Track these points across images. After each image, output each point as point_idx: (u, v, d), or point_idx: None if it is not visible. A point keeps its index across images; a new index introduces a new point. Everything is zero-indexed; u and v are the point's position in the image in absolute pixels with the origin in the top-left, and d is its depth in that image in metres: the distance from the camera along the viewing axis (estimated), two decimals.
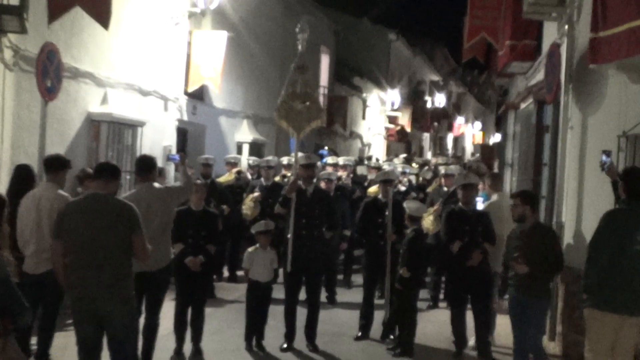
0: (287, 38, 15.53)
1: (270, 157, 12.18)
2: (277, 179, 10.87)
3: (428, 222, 9.05)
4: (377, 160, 19.31)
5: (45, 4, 7.89)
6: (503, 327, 7.34)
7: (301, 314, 7.54)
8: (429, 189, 11.29)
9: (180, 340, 6.89)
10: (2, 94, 7.86)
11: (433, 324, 8.55)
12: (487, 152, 27.08)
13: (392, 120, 28.99)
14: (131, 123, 10.62)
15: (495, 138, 38.64)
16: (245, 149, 15.52)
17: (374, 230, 7.97)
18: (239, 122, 15.69)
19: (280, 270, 8.35)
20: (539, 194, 9.47)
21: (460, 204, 7.61)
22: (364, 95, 26.06)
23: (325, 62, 22.38)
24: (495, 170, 16.83)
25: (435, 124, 36.05)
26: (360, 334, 7.95)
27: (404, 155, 20.83)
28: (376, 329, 7.97)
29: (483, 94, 49.69)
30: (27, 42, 8.05)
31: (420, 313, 8.20)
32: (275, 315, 7.63)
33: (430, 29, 54.13)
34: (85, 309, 4.96)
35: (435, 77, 36.67)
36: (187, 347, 6.93)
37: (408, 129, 30.11)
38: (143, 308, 6.18)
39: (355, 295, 9.38)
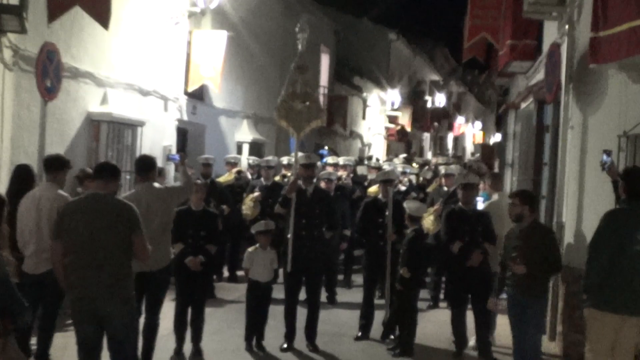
0: (287, 38, 15.52)
1: (270, 157, 12.18)
2: (277, 178, 10.87)
3: (428, 222, 9.05)
4: (377, 160, 19.30)
5: (45, 3, 7.89)
6: (503, 327, 7.33)
7: (301, 314, 7.53)
8: (429, 189, 11.29)
9: (180, 340, 6.88)
10: (1, 94, 7.85)
11: (433, 324, 8.55)
12: (487, 151, 27.06)
13: (392, 120, 28.98)
14: (131, 123, 10.61)
15: (496, 138, 38.61)
16: (245, 148, 15.52)
17: (374, 230, 7.97)
18: (239, 122, 15.68)
19: (280, 270, 8.35)
20: (539, 193, 9.47)
21: (460, 203, 7.61)
22: (364, 95, 26.06)
23: (325, 61, 22.37)
24: (496, 170, 16.83)
25: (436, 123, 36.04)
26: (360, 334, 7.95)
27: (404, 155, 20.83)
28: (376, 329, 7.97)
29: (483, 94, 49.68)
30: (26, 42, 8.04)
31: (421, 313, 8.19)
32: (275, 315, 7.62)
33: (431, 28, 54.08)
34: (85, 309, 4.96)
35: (436, 77, 36.66)
36: (187, 347, 6.93)
37: (408, 129, 30.10)
38: (143, 308, 6.17)
39: (356, 295, 9.37)
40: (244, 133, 15.71)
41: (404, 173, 11.91)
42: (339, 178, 10.99)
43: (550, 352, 7.43)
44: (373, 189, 10.38)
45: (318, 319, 7.56)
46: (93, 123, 9.79)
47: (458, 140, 45.01)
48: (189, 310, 6.92)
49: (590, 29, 6.29)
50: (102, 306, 4.92)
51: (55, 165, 6.37)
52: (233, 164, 11.69)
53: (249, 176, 11.81)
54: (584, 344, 5.47)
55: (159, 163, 8.92)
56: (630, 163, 6.28)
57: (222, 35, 13.06)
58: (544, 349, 7.41)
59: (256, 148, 15.78)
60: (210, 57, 12.83)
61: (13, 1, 7.62)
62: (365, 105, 26.53)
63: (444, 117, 38.51)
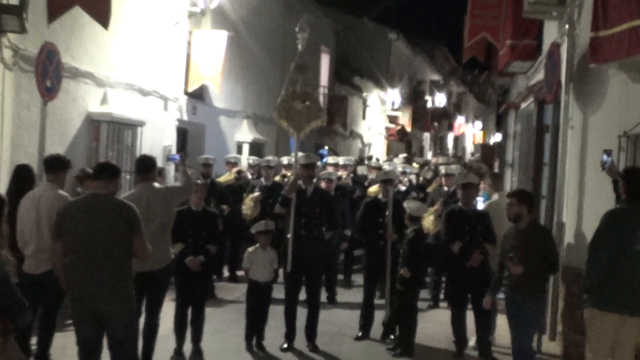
0: (287, 37, 15.52)
1: (270, 157, 12.18)
2: (277, 178, 10.87)
3: (428, 222, 9.04)
4: (378, 160, 19.29)
5: (45, 3, 7.89)
6: (503, 327, 7.33)
7: (301, 314, 7.53)
8: (430, 189, 11.28)
9: (180, 340, 6.88)
10: (1, 94, 7.85)
11: (433, 324, 8.54)
12: (487, 151, 27.03)
13: (393, 119, 28.99)
14: (131, 123, 10.61)
15: (496, 138, 38.60)
16: (245, 148, 15.52)
17: (374, 230, 7.96)
18: (239, 122, 15.68)
19: (280, 270, 8.34)
20: (540, 193, 9.47)
21: (460, 203, 7.61)
22: (364, 94, 26.05)
23: (325, 61, 22.37)
24: (496, 170, 16.82)
25: (436, 123, 36.03)
26: (360, 334, 7.95)
27: (404, 155, 20.81)
28: (376, 329, 7.96)
29: (483, 94, 49.66)
30: (26, 42, 8.04)
31: (421, 313, 8.19)
32: (275, 315, 7.62)
33: (431, 28, 54.22)
34: (85, 309, 4.96)
35: (436, 77, 36.66)
36: (187, 347, 6.92)
37: (408, 129, 30.10)
38: (143, 308, 6.17)
39: (356, 295, 9.37)
40: (244, 133, 15.71)
41: (404, 173, 11.90)
42: (339, 178, 10.98)
43: (550, 352, 7.43)
44: (373, 188, 10.37)
45: (318, 319, 7.56)
46: (93, 123, 9.79)
47: (458, 140, 45.01)
48: (189, 310, 6.92)
49: (591, 28, 6.29)
50: (102, 306, 4.92)
51: (55, 165, 6.37)
52: (233, 164, 11.69)
53: (249, 176, 11.80)
54: (584, 344, 5.48)
55: (159, 163, 8.92)
56: (631, 163, 6.27)
57: (222, 35, 13.06)
58: (544, 348, 7.44)
59: (256, 148, 15.78)
60: (210, 57, 12.83)
61: (13, 1, 7.61)
62: (365, 105, 26.52)
63: (444, 117, 38.50)
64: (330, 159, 12.54)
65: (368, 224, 8.04)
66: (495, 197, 8.32)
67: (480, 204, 8.40)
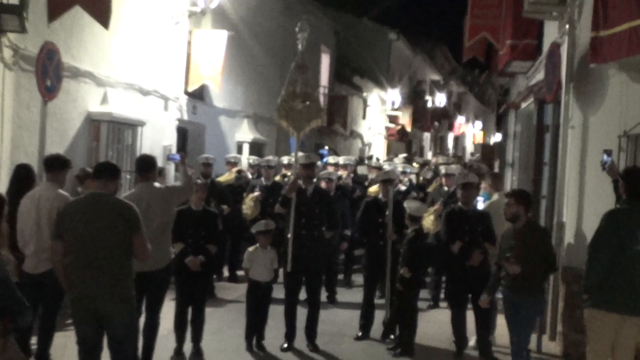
0: (287, 37, 15.51)
1: (270, 157, 12.18)
2: (277, 178, 10.87)
3: (428, 222, 9.04)
4: (378, 159, 19.29)
5: (45, 3, 7.89)
6: (503, 327, 7.32)
7: (301, 313, 7.53)
8: (430, 189, 11.28)
9: (180, 340, 6.88)
10: (1, 94, 7.85)
11: (433, 324, 8.54)
12: (487, 151, 27.06)
13: (393, 119, 28.97)
14: (131, 123, 10.61)
15: (496, 138, 38.59)
16: (246, 148, 15.52)
17: (374, 230, 7.96)
18: (239, 122, 15.68)
19: (281, 270, 8.34)
20: (540, 193, 9.47)
21: (460, 203, 7.61)
22: (365, 94, 26.05)
23: (325, 61, 22.37)
24: (496, 169, 16.82)
25: (436, 123, 36.01)
26: (360, 333, 7.94)
27: (405, 154, 20.81)
28: (376, 328, 7.96)
29: (484, 94, 49.65)
30: (26, 42, 8.03)
31: (421, 313, 8.19)
32: (276, 315, 7.62)
33: (431, 28, 54.16)
34: (85, 309, 4.96)
35: (436, 77, 36.65)
36: (188, 347, 6.92)
37: (408, 129, 30.08)
38: (143, 308, 6.17)
39: (356, 295, 9.37)
40: (244, 133, 15.71)
41: (404, 173, 11.89)
42: (339, 178, 10.98)
43: (550, 352, 7.43)
44: (373, 188, 10.37)
45: (318, 319, 7.55)
46: (93, 123, 9.79)
47: (458, 140, 45.00)
48: (189, 310, 6.92)
49: (591, 28, 6.29)
50: (102, 306, 4.92)
51: (55, 165, 6.37)
52: (233, 163, 11.69)
53: (249, 176, 11.80)
54: (584, 344, 5.47)
55: (159, 163, 8.92)
56: (631, 163, 6.28)
57: (223, 35, 13.05)
58: (544, 348, 7.44)
59: (256, 148, 15.78)
60: (211, 56, 12.83)
61: (13, 1, 7.61)
62: (365, 105, 26.52)
63: (444, 117, 38.48)
64: (331, 159, 12.54)
65: (368, 223, 8.04)
66: (495, 197, 8.32)
67: (481, 204, 8.40)
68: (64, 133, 9.17)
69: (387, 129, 29.17)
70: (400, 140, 30.09)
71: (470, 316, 7.35)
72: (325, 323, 8.05)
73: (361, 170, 13.45)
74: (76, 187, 8.11)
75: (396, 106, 28.62)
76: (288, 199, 7.36)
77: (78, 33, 9.29)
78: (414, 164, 15.96)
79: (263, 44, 16.14)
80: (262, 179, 11.08)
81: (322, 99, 19.69)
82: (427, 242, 8.44)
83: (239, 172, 11.52)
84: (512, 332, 6.20)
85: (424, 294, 8.78)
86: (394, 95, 28.21)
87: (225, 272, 10.84)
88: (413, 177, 12.75)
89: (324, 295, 8.78)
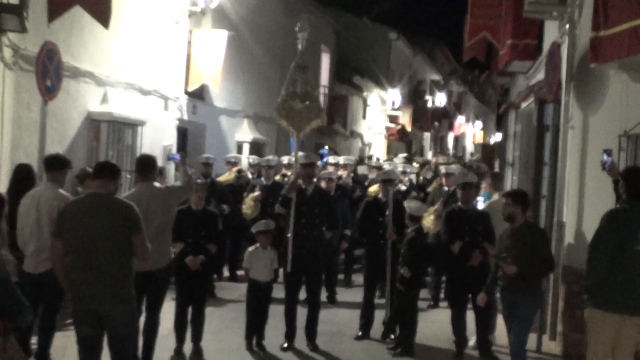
0: (288, 37, 15.50)
1: (270, 157, 12.18)
2: (277, 178, 10.86)
3: (429, 221, 9.04)
4: (378, 159, 19.29)
5: (45, 3, 7.88)
6: (504, 327, 7.32)
7: (301, 313, 7.53)
8: (430, 189, 11.29)
9: (180, 339, 6.88)
10: (2, 94, 7.84)
11: (434, 324, 8.54)
12: (487, 151, 27.08)
13: (393, 119, 28.98)
14: (131, 122, 10.61)
15: (496, 137, 38.58)
16: (246, 148, 15.52)
17: (374, 229, 7.96)
18: (239, 122, 15.68)
19: (281, 270, 8.34)
20: (540, 193, 9.47)
21: (459, 203, 7.60)
22: (365, 94, 26.05)
23: (325, 61, 22.37)
24: (496, 169, 16.82)
25: (436, 123, 36.02)
26: (360, 333, 7.94)
27: (405, 154, 20.81)
28: (377, 328, 7.96)
29: (484, 94, 49.65)
30: (26, 41, 8.03)
31: (421, 313, 8.19)
32: (276, 315, 7.62)
33: (431, 28, 54.28)
34: (85, 309, 4.95)
35: (436, 77, 36.65)
36: (188, 347, 6.92)
37: (409, 128, 30.09)
38: (143, 307, 6.17)
39: (356, 294, 9.37)
40: (244, 132, 15.71)
41: (404, 172, 11.90)
42: (340, 177, 10.98)
43: (550, 352, 7.43)
44: (373, 188, 10.37)
45: (318, 319, 7.56)
46: (93, 122, 9.79)
47: (458, 139, 45.00)
48: (189, 309, 6.92)
49: (591, 28, 6.28)
50: (102, 306, 4.92)
51: (55, 164, 6.36)
52: (233, 163, 11.69)
53: (249, 176, 11.81)
54: (584, 344, 5.47)
55: (159, 162, 8.92)
56: (631, 163, 6.27)
57: (223, 35, 13.05)
58: (544, 348, 7.44)
59: (256, 147, 15.78)
60: (211, 56, 12.82)
61: (13, 0, 7.61)
62: (365, 105, 26.52)
63: (445, 117, 38.49)
64: (331, 159, 12.54)
65: (368, 223, 8.04)
66: (495, 196, 8.31)
67: (481, 204, 8.40)
68: (64, 133, 9.17)
69: (387, 128, 29.18)
70: (400, 140, 30.10)
71: (470, 316, 7.35)
72: (325, 323, 8.05)
73: (361, 170, 13.46)
74: (76, 187, 8.10)
75: (396, 106, 28.63)
76: (288, 199, 7.36)
77: (78, 33, 9.28)
78: (414, 164, 15.96)
79: (263, 43, 16.14)
80: (262, 178, 11.08)
81: (322, 98, 19.68)
82: (427, 242, 8.44)
83: (239, 171, 11.52)
84: (509, 332, 6.20)
85: (424, 293, 8.78)
86: (394, 95, 28.22)
87: (226, 272, 10.84)
88: (413, 177, 12.75)
89: (324, 295, 8.78)
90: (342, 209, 9.96)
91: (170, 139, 12.37)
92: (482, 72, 42.04)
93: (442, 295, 9.37)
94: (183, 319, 6.89)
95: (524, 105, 11.62)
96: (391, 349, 7.44)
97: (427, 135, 36.82)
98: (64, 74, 8.45)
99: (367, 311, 7.99)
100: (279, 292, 7.89)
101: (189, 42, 12.86)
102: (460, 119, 42.35)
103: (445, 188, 9.96)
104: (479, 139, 46.14)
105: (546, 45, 9.47)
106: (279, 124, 7.99)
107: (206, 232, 7.00)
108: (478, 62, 16.74)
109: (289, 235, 7.39)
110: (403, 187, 11.12)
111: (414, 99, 32.09)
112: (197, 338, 6.93)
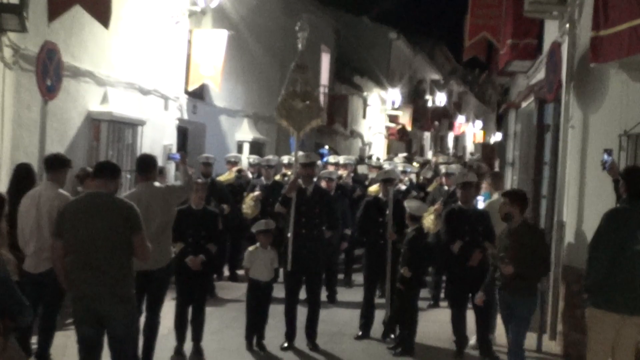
0: (288, 37, 15.49)
1: (270, 156, 12.18)
2: (277, 178, 10.86)
3: (429, 221, 9.03)
4: (378, 159, 19.29)
5: (45, 2, 7.88)
6: (503, 327, 7.33)
7: (301, 313, 7.53)
8: (430, 188, 11.29)
9: (180, 339, 6.88)
10: (2, 93, 7.84)
11: (434, 324, 8.54)
12: (487, 151, 27.06)
13: (393, 119, 28.98)
14: (131, 122, 10.60)
15: (496, 137, 38.57)
16: (246, 147, 15.52)
17: (374, 229, 7.96)
18: (239, 121, 15.68)
19: (281, 270, 8.34)
20: (540, 193, 9.47)
21: (459, 203, 7.60)
22: (365, 94, 26.05)
23: (325, 60, 22.37)
24: (496, 169, 16.82)
25: (436, 123, 36.02)
26: (360, 333, 7.94)
27: (405, 154, 20.81)
28: (377, 328, 7.96)
29: (484, 93, 49.66)
30: (27, 41, 8.03)
31: (421, 312, 8.19)
32: (276, 315, 7.62)
33: (431, 27, 54.27)
34: (85, 309, 4.96)
35: (436, 76, 36.64)
36: (188, 347, 6.92)
37: (409, 128, 30.09)
38: (143, 307, 6.17)
39: (356, 294, 9.37)
40: (245, 132, 15.71)
41: (404, 172, 11.89)
42: (340, 177, 10.98)
43: (550, 351, 7.43)
44: (373, 188, 10.37)
45: (318, 318, 7.56)
46: (93, 122, 9.78)
47: (458, 139, 45.00)
48: (190, 309, 6.92)
49: (591, 28, 6.28)
50: (102, 306, 4.92)
51: (55, 164, 6.36)
52: (233, 163, 11.69)
53: (250, 175, 11.81)
54: (584, 344, 5.47)
55: (160, 162, 8.92)
56: (631, 162, 6.27)
57: (223, 35, 13.05)
58: (544, 348, 7.44)
59: (256, 147, 15.78)
60: (211, 56, 12.82)
61: (13, 0, 7.60)
62: (365, 105, 26.52)
63: (445, 117, 38.49)
64: (331, 158, 12.55)
65: (368, 223, 8.04)
66: (495, 196, 8.31)
67: (481, 204, 8.40)
68: (64, 133, 9.17)
69: (387, 128, 29.18)
70: (400, 140, 30.10)
71: (470, 315, 7.35)
72: (325, 322, 8.05)
73: (361, 169, 13.46)
74: (76, 187, 8.10)
75: (396, 105, 28.63)
76: (288, 199, 7.36)
77: (78, 32, 9.28)
78: (414, 164, 15.97)
79: (263, 43, 16.14)
80: (262, 178, 11.09)
81: (322, 98, 19.69)
82: (428, 242, 8.43)
83: (239, 171, 11.52)
84: (508, 332, 6.20)
85: (424, 293, 8.78)
86: (394, 94, 28.23)
87: (226, 272, 10.84)
88: (413, 177, 12.75)
89: (324, 295, 8.78)
90: (342, 208, 9.97)
91: (171, 139, 12.37)
92: (482, 72, 42.02)
93: (442, 295, 9.38)
94: (183, 319, 6.89)
95: (524, 105, 11.62)
96: (391, 349, 7.44)
97: (427, 135, 36.82)
98: (64, 74, 8.45)
99: (367, 311, 7.99)
100: (279, 291, 7.89)
101: (189, 42, 12.86)
102: (460, 119, 42.36)
103: (446, 188, 9.96)
104: (479, 138, 46.14)
105: (546, 45, 9.47)
106: (279, 124, 7.99)
107: (206, 231, 7.00)
108: (478, 61, 16.78)
109: (289, 234, 7.39)
110: (403, 187, 11.12)
111: (414, 98, 32.09)
112: (197, 338, 6.93)
